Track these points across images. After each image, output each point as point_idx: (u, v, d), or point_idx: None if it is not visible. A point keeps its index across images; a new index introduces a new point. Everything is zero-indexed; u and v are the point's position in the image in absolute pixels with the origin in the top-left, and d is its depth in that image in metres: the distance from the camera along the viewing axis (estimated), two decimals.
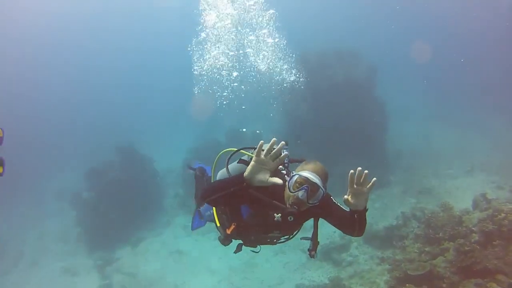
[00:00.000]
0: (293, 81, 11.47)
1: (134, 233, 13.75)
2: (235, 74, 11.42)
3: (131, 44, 39.40)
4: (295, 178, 2.54)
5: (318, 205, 2.61)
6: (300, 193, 2.49)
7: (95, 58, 38.03)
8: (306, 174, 2.53)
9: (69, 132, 30.01)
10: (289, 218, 2.55)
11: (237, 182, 2.41)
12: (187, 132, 22.77)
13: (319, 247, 3.04)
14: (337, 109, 13.45)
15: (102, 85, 38.30)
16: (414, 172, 13.35)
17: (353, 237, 3.08)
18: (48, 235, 15.15)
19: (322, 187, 2.53)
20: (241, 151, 3.05)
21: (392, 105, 15.31)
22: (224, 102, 12.29)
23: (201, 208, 3.91)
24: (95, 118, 31.58)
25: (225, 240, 3.06)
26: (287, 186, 2.56)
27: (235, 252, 3.31)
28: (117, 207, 13.83)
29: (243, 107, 12.65)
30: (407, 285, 6.82)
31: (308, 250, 3.01)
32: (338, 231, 3.15)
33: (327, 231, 9.86)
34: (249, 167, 2.33)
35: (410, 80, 25.37)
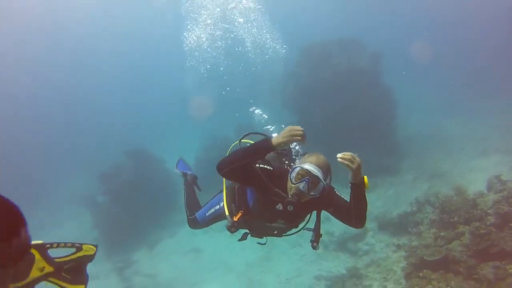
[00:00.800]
0: (283, 54, 11.41)
1: (150, 234, 13.94)
2: (217, 33, 11.46)
3: (132, 46, 39.41)
4: (297, 170, 2.63)
5: (320, 197, 2.69)
6: (301, 185, 2.57)
7: (100, 60, 38.19)
8: (307, 166, 2.60)
9: (80, 136, 30.36)
10: (288, 207, 2.64)
11: (264, 146, 2.61)
12: (196, 131, 22.86)
13: (334, 238, 3.14)
14: (344, 98, 13.41)
15: (110, 86, 38.59)
16: (425, 157, 13.18)
17: (368, 226, 3.14)
18: (65, 239, 15.35)
19: (323, 179, 2.60)
20: (250, 136, 3.17)
21: (398, 92, 15.18)
22: (208, 66, 12.33)
23: (197, 213, 3.96)
24: (105, 121, 31.93)
25: (231, 227, 3.18)
26: (289, 177, 2.64)
27: (239, 240, 3.43)
28: (131, 209, 14.06)
29: (221, 68, 12.71)
30: (424, 270, 6.83)
31: (311, 241, 3.11)
32: None
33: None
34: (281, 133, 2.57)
35: (416, 67, 25.08)
